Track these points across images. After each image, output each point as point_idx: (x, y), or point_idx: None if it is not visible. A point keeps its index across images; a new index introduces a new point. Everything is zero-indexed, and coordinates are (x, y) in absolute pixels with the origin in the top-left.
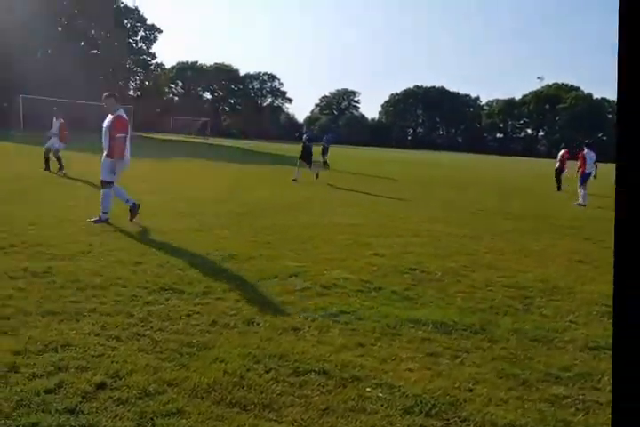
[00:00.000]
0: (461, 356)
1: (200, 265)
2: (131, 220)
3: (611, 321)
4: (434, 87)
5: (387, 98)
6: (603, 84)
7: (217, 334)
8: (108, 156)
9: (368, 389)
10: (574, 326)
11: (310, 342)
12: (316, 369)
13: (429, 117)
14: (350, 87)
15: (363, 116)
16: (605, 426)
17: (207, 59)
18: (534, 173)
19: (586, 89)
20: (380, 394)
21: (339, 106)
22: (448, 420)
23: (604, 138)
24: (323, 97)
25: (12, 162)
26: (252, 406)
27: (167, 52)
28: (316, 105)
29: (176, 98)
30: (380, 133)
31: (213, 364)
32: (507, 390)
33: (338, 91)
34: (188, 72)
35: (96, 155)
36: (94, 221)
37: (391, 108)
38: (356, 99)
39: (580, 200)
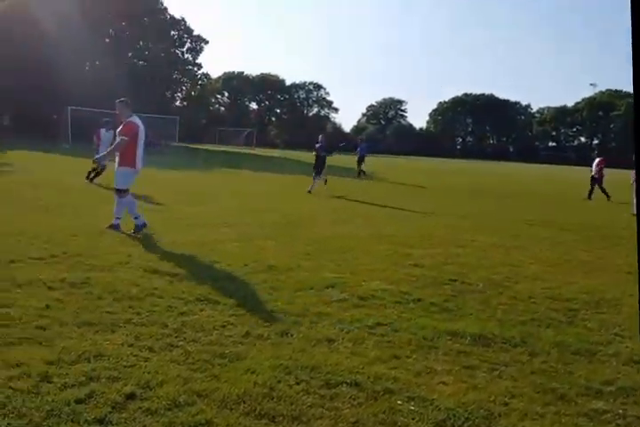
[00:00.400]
0: (499, 369)
1: (237, 276)
2: (133, 232)
3: None
4: (483, 95)
5: (435, 106)
6: None
7: (250, 346)
8: (119, 164)
9: (399, 402)
10: (619, 339)
11: (344, 353)
12: (348, 381)
13: (479, 126)
14: (397, 96)
15: (410, 125)
16: None
17: (252, 69)
18: (586, 182)
19: None
20: (412, 407)
21: (386, 115)
22: None
23: None
24: (369, 106)
25: (59, 173)
26: (281, 418)
27: (212, 62)
28: (363, 114)
29: (222, 108)
30: (427, 143)
31: (244, 375)
32: (544, 405)
33: (385, 100)
34: (234, 82)
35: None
36: (134, 232)
37: (439, 117)
38: (403, 108)
39: (633, 210)
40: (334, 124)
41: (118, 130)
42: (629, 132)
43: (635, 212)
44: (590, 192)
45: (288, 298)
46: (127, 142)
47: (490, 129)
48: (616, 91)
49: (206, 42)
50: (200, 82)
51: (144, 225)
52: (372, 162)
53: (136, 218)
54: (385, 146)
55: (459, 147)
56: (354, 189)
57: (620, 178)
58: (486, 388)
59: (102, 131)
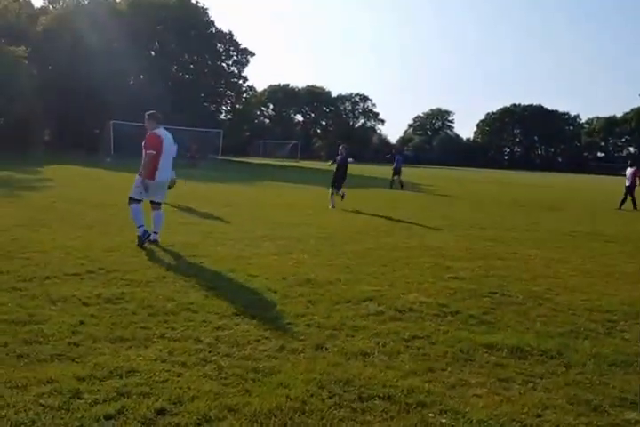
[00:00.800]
0: (534, 381)
1: (274, 290)
2: (138, 245)
3: None
4: (531, 105)
5: (482, 117)
6: None
7: (284, 360)
8: (139, 173)
9: (431, 414)
10: None
11: (378, 367)
12: (381, 395)
13: (527, 136)
14: (444, 107)
15: (457, 135)
16: None
17: (299, 81)
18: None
19: None
20: (444, 420)
21: (432, 126)
22: None
23: None
24: (416, 117)
25: (101, 188)
26: None
27: (258, 75)
28: (410, 125)
29: (267, 120)
30: (475, 153)
31: (277, 389)
32: (576, 416)
33: (432, 110)
34: (279, 94)
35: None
36: (138, 244)
37: (487, 128)
38: (450, 118)
39: None
40: (380, 135)
41: (143, 143)
42: None
43: None
44: (622, 202)
45: (325, 311)
46: (153, 155)
47: (538, 139)
48: None
49: (252, 54)
50: (245, 94)
51: (144, 236)
52: (417, 173)
53: (139, 227)
54: (431, 157)
55: (506, 157)
56: (395, 199)
57: None
58: (520, 400)
59: None
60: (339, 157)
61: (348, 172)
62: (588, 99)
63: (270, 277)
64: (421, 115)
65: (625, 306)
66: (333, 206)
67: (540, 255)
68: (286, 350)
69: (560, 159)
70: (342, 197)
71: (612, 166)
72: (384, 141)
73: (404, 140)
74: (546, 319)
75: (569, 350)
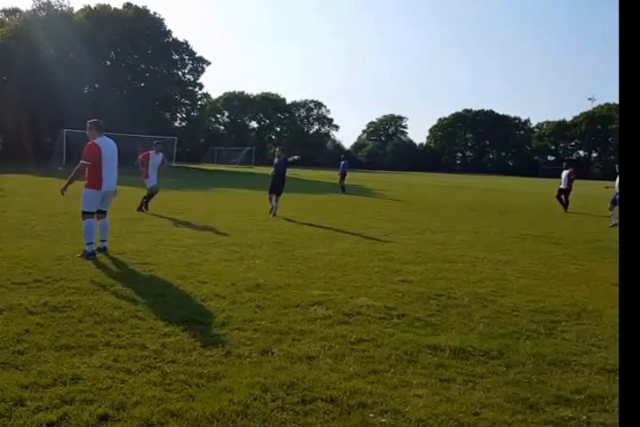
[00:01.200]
0: (474, 381)
1: (223, 296)
2: (82, 257)
3: None
4: (482, 111)
5: (435, 122)
6: None
7: (229, 365)
8: (85, 185)
9: (372, 415)
10: (595, 349)
11: (323, 370)
12: (324, 397)
13: (478, 141)
14: (398, 113)
15: (411, 141)
16: None
17: (253, 88)
18: (584, 195)
19: None
20: (384, 420)
21: (386, 131)
22: None
23: None
24: (370, 123)
25: (53, 197)
26: None
27: (214, 83)
28: (363, 131)
29: (222, 127)
30: (428, 158)
31: (220, 394)
32: (512, 414)
33: (385, 116)
34: (235, 102)
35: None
36: (80, 256)
37: (439, 133)
38: (403, 124)
39: (614, 221)
40: (334, 141)
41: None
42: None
43: (615, 222)
44: (564, 205)
45: (273, 316)
46: (88, 165)
47: (489, 144)
48: (614, 104)
49: (208, 63)
50: (200, 102)
51: (91, 255)
52: (370, 178)
53: (88, 244)
54: (385, 162)
55: (459, 162)
56: (347, 204)
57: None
58: (459, 399)
59: (152, 153)
60: (276, 161)
61: (300, 177)
62: (538, 104)
63: (220, 284)
64: (375, 120)
65: (567, 307)
66: (274, 214)
67: (489, 258)
68: (232, 355)
69: (511, 163)
70: (273, 210)
71: (562, 170)
72: (338, 147)
73: (358, 146)
74: (489, 321)
75: (510, 351)
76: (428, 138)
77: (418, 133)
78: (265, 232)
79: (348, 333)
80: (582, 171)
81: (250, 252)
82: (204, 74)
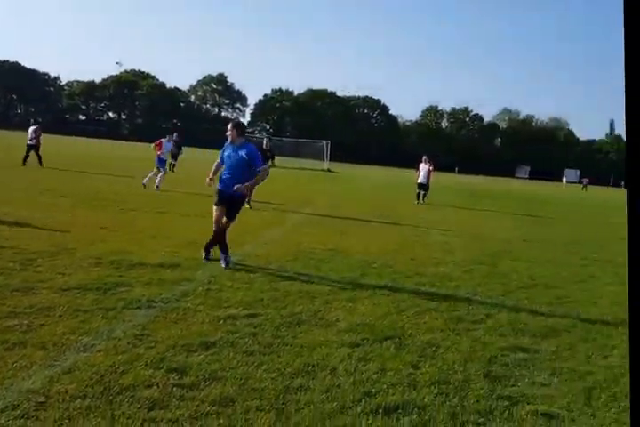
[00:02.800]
0: None
1: None
2: None
3: None
4: (7, 62)
5: None
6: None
7: None
8: None
9: None
10: (60, 276)
11: None
12: None
13: (5, 94)
14: None
15: None
16: None
17: None
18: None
19: (160, 78)
20: None
21: None
22: None
23: (179, 124)
24: None
25: None
26: None
27: None
28: None
29: None
30: None
31: None
32: None
33: None
34: None
35: None
36: None
37: None
38: None
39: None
40: None
41: None
42: None
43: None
44: (25, 158)
45: None
46: None
47: (17, 98)
48: (140, 71)
49: None
50: None
51: None
52: None
53: None
54: None
55: None
56: None
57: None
58: None
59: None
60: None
61: None
62: (64, 61)
63: None
64: None
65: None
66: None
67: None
68: None
69: (41, 119)
70: None
71: (96, 129)
72: None
73: None
74: None
75: None
76: None
77: None
78: None
79: None
80: (114, 132)
81: None
82: None
